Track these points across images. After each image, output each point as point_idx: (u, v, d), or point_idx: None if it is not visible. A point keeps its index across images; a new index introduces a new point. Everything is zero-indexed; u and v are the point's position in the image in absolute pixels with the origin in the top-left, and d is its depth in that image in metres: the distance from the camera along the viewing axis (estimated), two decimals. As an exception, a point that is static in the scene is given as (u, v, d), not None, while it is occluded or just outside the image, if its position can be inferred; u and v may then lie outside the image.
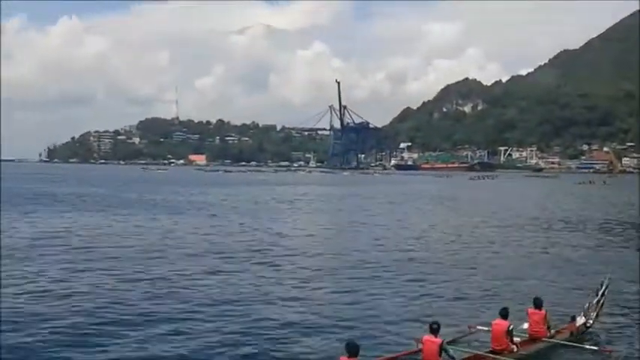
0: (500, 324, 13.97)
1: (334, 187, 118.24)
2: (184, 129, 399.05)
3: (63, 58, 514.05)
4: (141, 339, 15.34)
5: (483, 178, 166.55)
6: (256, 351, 14.75)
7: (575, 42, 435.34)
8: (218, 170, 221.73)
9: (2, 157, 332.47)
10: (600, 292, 16.56)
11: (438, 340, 12.51)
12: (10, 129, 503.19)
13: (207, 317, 17.45)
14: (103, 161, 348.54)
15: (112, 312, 17.64)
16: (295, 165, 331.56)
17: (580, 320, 15.75)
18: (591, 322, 15.91)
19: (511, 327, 13.90)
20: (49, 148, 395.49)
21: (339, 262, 27.88)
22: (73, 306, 18.13)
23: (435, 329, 12.66)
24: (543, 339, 14.73)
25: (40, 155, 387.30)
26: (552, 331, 15.04)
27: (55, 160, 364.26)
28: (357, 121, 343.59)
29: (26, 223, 40.06)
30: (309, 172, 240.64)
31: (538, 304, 15.08)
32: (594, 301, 16.31)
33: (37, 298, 18.97)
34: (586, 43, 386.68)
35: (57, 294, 19.54)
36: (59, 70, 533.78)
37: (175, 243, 32.43)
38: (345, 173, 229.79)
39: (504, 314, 14.14)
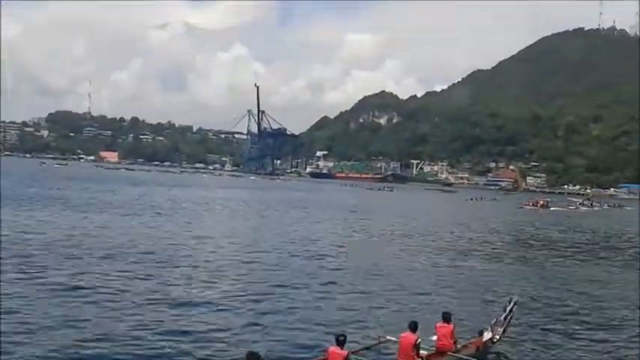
0: (408, 337, 14.06)
1: (241, 190, 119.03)
2: (96, 124, 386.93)
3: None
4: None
5: (383, 189, 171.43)
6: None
7: (488, 62, 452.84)
8: (119, 168, 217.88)
9: None
10: (508, 309, 17.02)
11: (344, 352, 12.73)
12: None
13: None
14: (7, 153, 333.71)
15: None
16: (210, 167, 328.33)
17: (487, 335, 16.13)
18: (497, 337, 16.30)
19: (419, 340, 13.99)
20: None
21: (244, 267, 28.43)
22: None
23: (341, 341, 12.79)
24: (449, 353, 14.86)
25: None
26: (459, 346, 15.24)
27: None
28: (275, 126, 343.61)
29: None
30: (219, 175, 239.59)
31: (447, 317, 15.31)
32: (502, 317, 16.76)
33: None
34: (498, 64, 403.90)
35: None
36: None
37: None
38: (252, 177, 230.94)
39: (413, 327, 14.22)
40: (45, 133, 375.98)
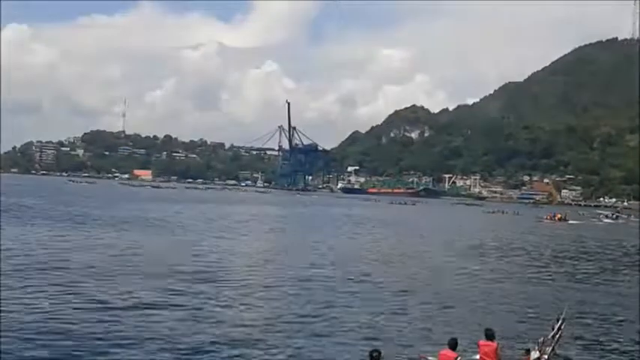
0: (447, 355, 13.54)
1: (274, 207, 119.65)
2: (131, 143, 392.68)
3: (9, 65, 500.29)
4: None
5: (405, 204, 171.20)
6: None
7: (521, 74, 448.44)
8: (144, 185, 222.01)
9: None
10: (557, 326, 16.21)
11: None
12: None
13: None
14: (44, 172, 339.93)
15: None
16: (242, 184, 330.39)
17: (534, 355, 15.16)
18: (546, 357, 15.30)
19: (459, 359, 13.49)
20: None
21: (287, 281, 29.04)
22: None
23: (375, 357, 12.55)
24: None
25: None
26: None
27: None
28: (306, 142, 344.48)
29: None
30: (245, 191, 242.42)
31: (490, 335, 14.55)
32: (550, 335, 15.89)
33: None
34: (531, 76, 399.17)
35: None
36: (4, 77, 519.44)
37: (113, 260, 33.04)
38: (280, 193, 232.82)
39: (453, 345, 13.70)
40: (80, 152, 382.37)
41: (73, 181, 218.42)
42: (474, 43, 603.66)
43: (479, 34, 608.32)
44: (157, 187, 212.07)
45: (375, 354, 12.61)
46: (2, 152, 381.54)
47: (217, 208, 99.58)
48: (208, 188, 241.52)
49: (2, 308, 20.44)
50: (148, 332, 18.73)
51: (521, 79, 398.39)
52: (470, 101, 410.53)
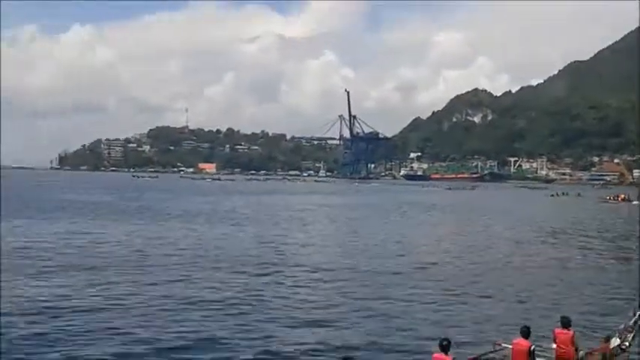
0: (521, 343, 12.95)
1: (340, 196, 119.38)
2: (194, 137, 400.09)
3: (75, 66, 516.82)
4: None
5: (464, 188, 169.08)
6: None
7: (585, 53, 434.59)
8: (205, 178, 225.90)
9: (17, 165, 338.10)
10: (638, 313, 15.38)
11: (448, 358, 11.96)
12: (24, 137, 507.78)
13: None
14: (113, 169, 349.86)
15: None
16: (305, 174, 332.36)
17: (615, 342, 14.28)
18: (627, 344, 14.39)
19: (533, 347, 12.85)
20: (60, 155, 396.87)
21: (358, 272, 28.51)
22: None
23: (444, 346, 12.05)
24: None
25: (52, 162, 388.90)
26: (582, 353, 13.76)
27: (66, 167, 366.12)
28: (367, 130, 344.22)
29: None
30: (303, 180, 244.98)
31: (566, 322, 13.89)
32: (631, 322, 15.05)
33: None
34: (596, 55, 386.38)
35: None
36: (71, 78, 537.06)
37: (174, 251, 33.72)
38: (339, 181, 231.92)
39: (526, 333, 13.12)
40: (147, 148, 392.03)
41: (137, 177, 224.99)
42: (536, 23, 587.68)
43: (541, 13, 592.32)
44: (217, 179, 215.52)
45: (444, 342, 12.13)
46: (72, 150, 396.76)
47: (279, 199, 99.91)
48: (267, 179, 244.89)
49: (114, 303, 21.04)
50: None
51: (586, 58, 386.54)
52: (534, 82, 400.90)
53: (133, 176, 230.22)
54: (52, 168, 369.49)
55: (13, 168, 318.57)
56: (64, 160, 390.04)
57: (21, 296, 21.34)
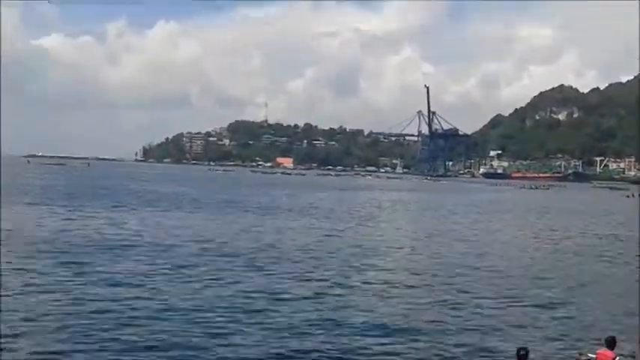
0: (605, 354, 12.33)
1: (419, 193, 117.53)
2: (273, 132, 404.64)
3: (160, 60, 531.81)
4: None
5: (536, 188, 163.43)
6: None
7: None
8: (275, 173, 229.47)
9: (104, 156, 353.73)
10: None
11: None
12: (110, 129, 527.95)
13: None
14: (194, 162, 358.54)
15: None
16: (382, 170, 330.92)
17: None
18: None
19: (617, 359, 12.27)
20: (144, 148, 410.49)
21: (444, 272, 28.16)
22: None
23: (522, 356, 11.60)
24: None
25: (136, 155, 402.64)
26: None
27: (150, 159, 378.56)
28: (446, 127, 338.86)
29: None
30: (377, 177, 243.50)
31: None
32: None
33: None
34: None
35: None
36: (156, 72, 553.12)
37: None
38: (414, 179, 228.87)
39: (611, 343, 12.49)
40: (227, 141, 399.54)
41: (212, 170, 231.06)
42: (626, 17, 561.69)
43: (631, 6, 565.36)
44: (288, 174, 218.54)
45: (522, 352, 11.60)
46: (156, 144, 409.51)
47: (353, 194, 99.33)
48: (338, 175, 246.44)
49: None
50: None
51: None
52: (623, 79, 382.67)
53: (209, 169, 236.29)
54: (136, 160, 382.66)
55: (99, 159, 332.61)
56: (148, 153, 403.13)
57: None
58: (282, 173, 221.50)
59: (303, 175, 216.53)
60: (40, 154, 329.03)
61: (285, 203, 69.91)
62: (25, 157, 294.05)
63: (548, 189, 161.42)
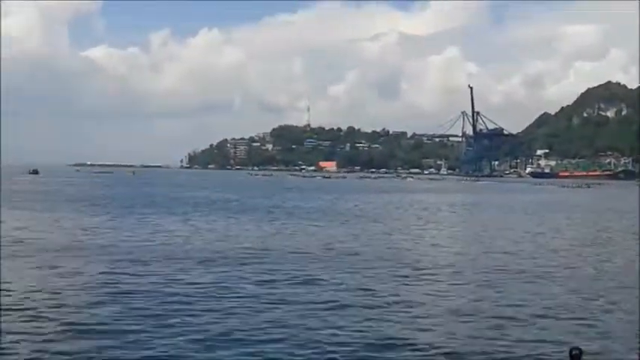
0: None
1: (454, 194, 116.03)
2: (315, 136, 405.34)
3: (203, 68, 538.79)
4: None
5: (579, 187, 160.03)
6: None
7: None
8: (315, 177, 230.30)
9: (150, 164, 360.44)
10: None
11: None
12: (156, 137, 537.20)
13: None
14: (238, 167, 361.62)
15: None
16: (426, 172, 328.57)
17: None
18: None
19: None
20: (189, 154, 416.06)
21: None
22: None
23: (575, 356, 11.12)
24: None
25: (182, 161, 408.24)
26: None
27: (195, 166, 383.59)
28: (491, 127, 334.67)
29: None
30: (418, 178, 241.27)
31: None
32: None
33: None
34: None
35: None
36: (199, 79, 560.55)
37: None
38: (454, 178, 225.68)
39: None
40: (270, 146, 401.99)
41: (251, 174, 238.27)
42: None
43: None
44: (328, 177, 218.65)
45: (574, 352, 11.11)
46: (200, 150, 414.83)
47: (398, 197, 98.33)
48: (379, 177, 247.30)
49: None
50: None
51: None
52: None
53: (248, 174, 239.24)
54: (182, 167, 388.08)
55: (145, 167, 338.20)
56: (193, 159, 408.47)
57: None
58: (323, 177, 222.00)
59: (344, 177, 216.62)
60: (88, 162, 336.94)
61: (324, 207, 69.40)
62: (74, 165, 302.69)
63: (589, 187, 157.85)
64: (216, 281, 23.25)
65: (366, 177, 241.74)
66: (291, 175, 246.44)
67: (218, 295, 20.79)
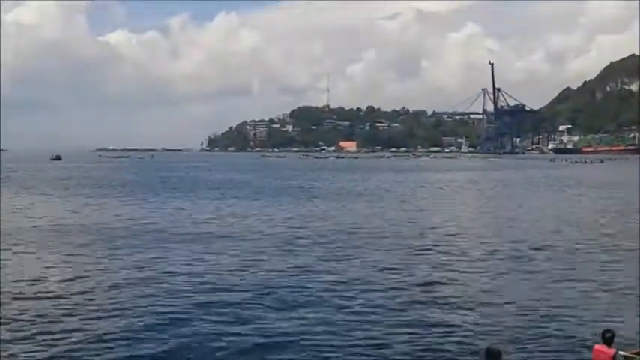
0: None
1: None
2: (335, 116, 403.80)
3: (221, 52, 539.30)
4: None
5: (591, 162, 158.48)
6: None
7: None
8: (329, 157, 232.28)
9: (171, 147, 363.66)
10: None
11: (610, 351, 10.92)
12: (176, 121, 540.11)
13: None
14: (258, 149, 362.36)
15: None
16: (447, 150, 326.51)
17: None
18: None
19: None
20: (209, 137, 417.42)
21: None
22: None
23: (608, 338, 11.00)
24: None
25: (202, 144, 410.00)
26: None
27: (216, 148, 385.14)
28: (512, 103, 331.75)
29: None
30: (433, 157, 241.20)
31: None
32: None
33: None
34: None
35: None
36: (218, 63, 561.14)
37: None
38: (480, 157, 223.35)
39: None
40: (289, 128, 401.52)
41: (265, 156, 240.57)
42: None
43: None
44: (342, 157, 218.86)
45: (607, 334, 11.05)
46: (220, 133, 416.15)
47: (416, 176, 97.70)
48: (394, 157, 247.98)
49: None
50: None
51: None
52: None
53: (263, 156, 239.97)
54: (202, 150, 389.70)
55: (165, 150, 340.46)
56: (213, 142, 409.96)
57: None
58: (337, 157, 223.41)
59: (356, 158, 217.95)
60: (110, 147, 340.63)
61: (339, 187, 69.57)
62: (96, 150, 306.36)
63: (602, 162, 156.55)
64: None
65: (381, 157, 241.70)
66: (304, 156, 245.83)
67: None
